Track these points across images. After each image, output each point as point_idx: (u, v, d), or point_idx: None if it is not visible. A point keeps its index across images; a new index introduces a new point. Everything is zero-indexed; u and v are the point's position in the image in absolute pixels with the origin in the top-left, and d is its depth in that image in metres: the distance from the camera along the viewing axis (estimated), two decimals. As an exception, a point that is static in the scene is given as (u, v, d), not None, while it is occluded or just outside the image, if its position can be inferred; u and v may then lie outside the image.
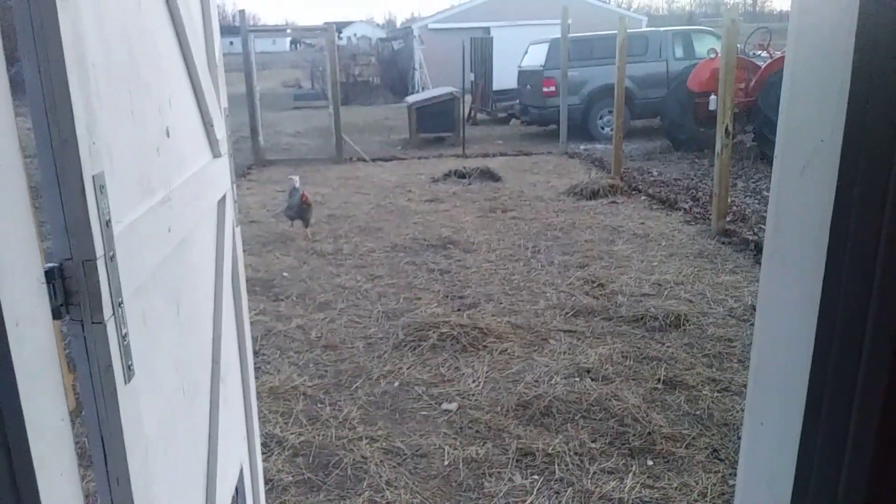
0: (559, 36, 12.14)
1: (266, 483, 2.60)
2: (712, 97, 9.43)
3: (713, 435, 3.13)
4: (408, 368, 3.89)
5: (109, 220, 0.96)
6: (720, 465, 2.92)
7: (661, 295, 4.89)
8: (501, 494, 2.79)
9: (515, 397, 3.50)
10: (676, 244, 6.21)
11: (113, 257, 0.96)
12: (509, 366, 3.88)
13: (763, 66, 10.09)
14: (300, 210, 6.66)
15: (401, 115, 15.93)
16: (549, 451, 3.03)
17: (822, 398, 0.87)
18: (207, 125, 1.68)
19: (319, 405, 3.52)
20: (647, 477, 2.86)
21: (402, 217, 7.58)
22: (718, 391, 3.52)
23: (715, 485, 2.79)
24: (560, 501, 2.73)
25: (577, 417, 3.30)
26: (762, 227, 6.45)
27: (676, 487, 2.79)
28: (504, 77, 17.67)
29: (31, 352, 0.77)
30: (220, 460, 1.56)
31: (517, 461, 2.99)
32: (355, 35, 46.95)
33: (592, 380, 3.67)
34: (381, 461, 3.01)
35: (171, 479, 1.25)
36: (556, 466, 2.94)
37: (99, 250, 0.93)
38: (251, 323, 2.21)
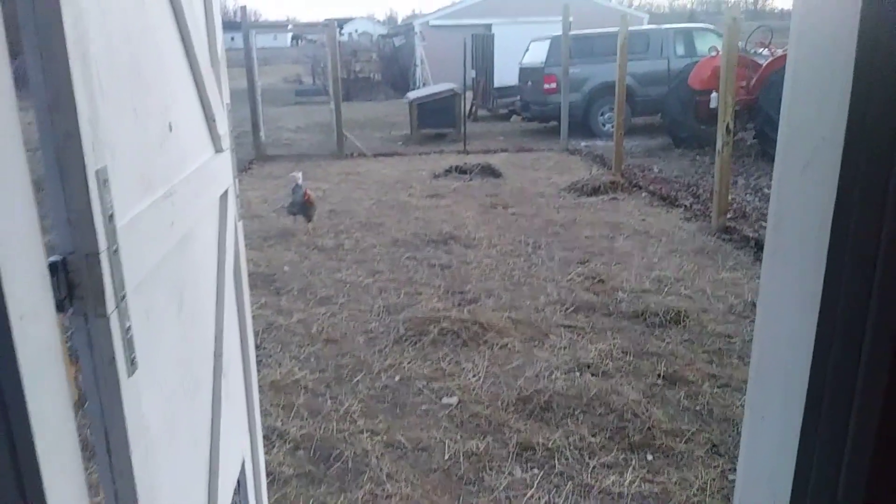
0: (560, 33, 12.11)
1: (267, 476, 2.60)
2: (713, 95, 9.41)
3: (713, 430, 3.14)
4: (408, 363, 3.89)
5: (112, 215, 0.96)
6: (719, 461, 2.92)
7: (662, 291, 4.90)
8: (502, 488, 2.79)
9: (516, 392, 3.51)
10: (677, 241, 6.21)
11: (116, 251, 0.97)
12: (510, 361, 3.89)
13: (764, 65, 10.07)
14: (303, 207, 6.68)
15: (402, 111, 15.91)
16: (550, 446, 3.04)
17: (823, 395, 0.88)
18: (210, 120, 1.68)
19: (320, 399, 3.52)
20: (647, 471, 2.87)
21: (403, 212, 7.59)
22: (718, 387, 3.52)
23: (714, 480, 2.80)
24: (560, 495, 2.74)
25: (577, 412, 3.31)
26: (762, 224, 6.45)
27: (676, 482, 2.79)
28: (505, 74, 17.64)
29: (35, 345, 0.78)
30: (222, 453, 1.57)
31: (517, 455, 3.00)
32: (356, 31, 46.87)
33: (592, 375, 3.67)
34: (381, 454, 3.02)
35: (174, 472, 1.25)
36: (556, 461, 2.95)
37: (102, 244, 0.93)
38: (252, 317, 2.21)
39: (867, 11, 0.77)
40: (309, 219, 6.81)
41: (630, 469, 2.88)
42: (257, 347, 4.02)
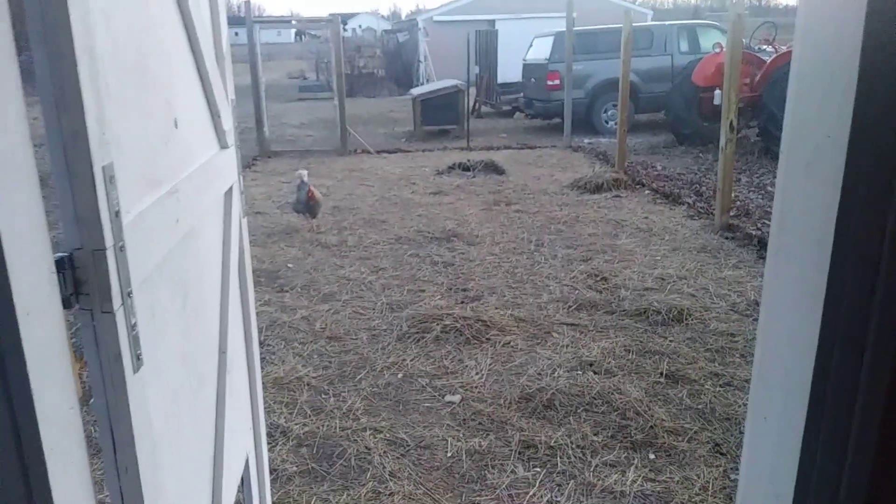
0: (564, 29, 12.09)
1: (271, 473, 2.61)
2: (717, 91, 9.40)
3: (715, 429, 3.14)
4: (411, 360, 3.90)
5: (119, 211, 0.97)
6: (722, 460, 2.92)
7: (664, 289, 4.89)
8: (504, 486, 2.80)
9: (518, 390, 3.51)
10: (680, 239, 6.21)
11: (122, 248, 0.97)
12: (512, 358, 3.89)
13: (768, 61, 10.04)
14: (307, 205, 6.69)
15: (405, 107, 15.90)
16: (552, 444, 3.04)
17: (826, 395, 0.88)
18: (215, 116, 1.68)
19: (324, 396, 3.53)
20: (649, 470, 2.87)
21: (407, 209, 7.59)
22: (720, 386, 3.52)
23: (716, 479, 2.80)
24: (562, 494, 2.75)
25: (579, 410, 3.31)
26: (765, 222, 6.44)
27: (678, 481, 2.80)
28: (509, 70, 17.63)
29: (42, 341, 0.78)
30: (226, 450, 1.57)
31: (520, 453, 3.01)
32: (360, 27, 46.88)
33: (595, 373, 3.68)
34: (384, 452, 3.03)
35: (179, 468, 1.26)
36: (559, 459, 2.95)
37: (108, 240, 0.93)
38: (256, 314, 2.22)
39: (873, 8, 0.77)
40: (313, 216, 6.81)
41: (632, 468, 2.89)
42: (261, 344, 4.02)
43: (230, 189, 1.84)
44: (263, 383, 3.35)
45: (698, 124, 11.03)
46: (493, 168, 9.66)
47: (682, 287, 4.93)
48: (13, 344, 0.72)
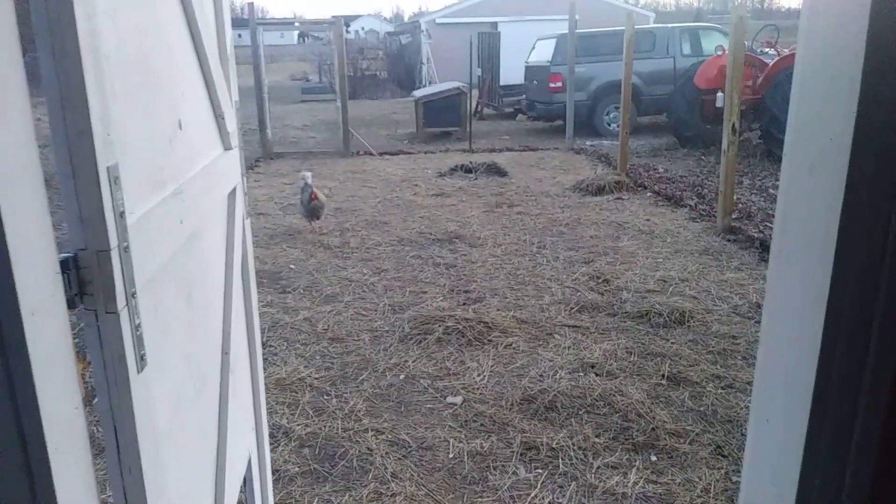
0: (566, 32, 12.09)
1: (273, 473, 2.61)
2: (719, 94, 9.40)
3: (717, 431, 3.14)
4: (413, 361, 3.90)
5: (123, 212, 0.97)
6: (724, 462, 2.92)
7: (666, 291, 4.89)
8: (506, 488, 2.80)
9: (520, 391, 3.51)
10: (682, 241, 6.21)
11: (127, 248, 0.97)
12: (514, 360, 3.89)
13: (770, 64, 10.04)
14: (310, 208, 6.68)
15: (408, 109, 15.91)
16: (554, 446, 3.04)
17: (829, 397, 0.88)
18: (219, 118, 1.69)
19: (326, 397, 3.53)
20: (651, 472, 2.87)
21: (409, 211, 7.59)
22: (722, 388, 3.52)
23: (718, 481, 2.80)
24: (564, 495, 2.74)
25: (581, 412, 3.31)
26: (767, 224, 6.44)
27: (680, 483, 2.79)
28: (511, 72, 17.62)
29: (47, 341, 0.78)
30: (228, 450, 1.57)
31: (521, 455, 3.01)
32: (363, 29, 46.94)
33: (597, 375, 3.67)
34: (386, 453, 3.03)
35: (182, 469, 1.26)
36: (560, 460, 2.95)
37: (113, 241, 0.94)
38: (259, 315, 2.22)
39: (877, 11, 0.77)
40: (317, 217, 6.82)
41: (634, 470, 2.88)
42: (263, 345, 4.02)
43: (234, 190, 1.84)
44: (266, 384, 3.36)
45: (700, 127, 11.03)
46: (496, 170, 9.66)
47: (684, 289, 4.93)
48: (18, 344, 0.72)
